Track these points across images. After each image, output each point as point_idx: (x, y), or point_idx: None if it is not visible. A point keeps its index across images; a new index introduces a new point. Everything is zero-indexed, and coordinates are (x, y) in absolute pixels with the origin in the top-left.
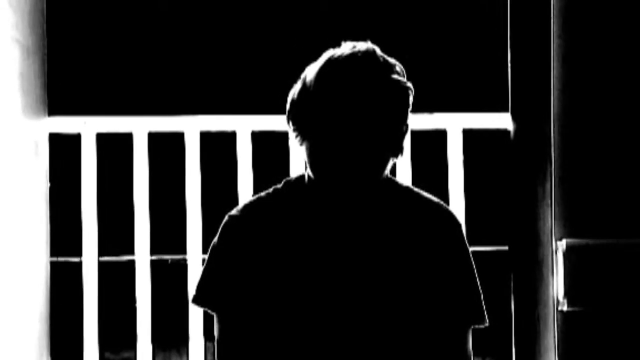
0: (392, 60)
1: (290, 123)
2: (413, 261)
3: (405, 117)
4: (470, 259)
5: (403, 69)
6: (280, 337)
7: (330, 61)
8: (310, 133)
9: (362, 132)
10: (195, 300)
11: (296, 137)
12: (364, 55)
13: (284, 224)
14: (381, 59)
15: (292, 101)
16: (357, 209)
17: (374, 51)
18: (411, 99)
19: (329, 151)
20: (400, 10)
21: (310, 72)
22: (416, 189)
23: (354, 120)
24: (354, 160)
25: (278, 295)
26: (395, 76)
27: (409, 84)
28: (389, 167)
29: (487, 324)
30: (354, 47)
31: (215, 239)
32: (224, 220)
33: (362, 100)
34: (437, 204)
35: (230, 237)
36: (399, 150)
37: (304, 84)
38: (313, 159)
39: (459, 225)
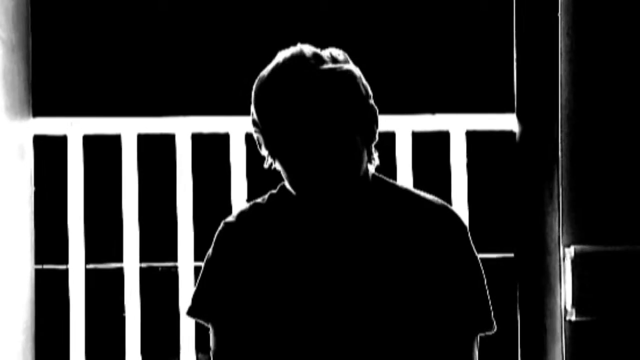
0: (326, 52)
1: (259, 147)
2: (414, 266)
3: (359, 101)
4: (478, 262)
5: (345, 55)
6: (278, 348)
7: (258, 82)
8: (274, 153)
9: (316, 136)
10: (190, 312)
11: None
12: (289, 60)
13: (280, 231)
14: (308, 55)
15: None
16: (350, 213)
17: (299, 51)
18: (360, 81)
19: (296, 165)
20: (400, 10)
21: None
22: (417, 191)
23: (301, 128)
24: (323, 165)
25: (276, 305)
26: (325, 66)
27: (346, 67)
28: (366, 158)
29: (494, 331)
30: (280, 56)
31: (211, 248)
32: (219, 228)
33: (298, 106)
34: (440, 205)
35: (225, 246)
36: (369, 137)
37: (251, 111)
38: (286, 176)
39: (464, 227)
